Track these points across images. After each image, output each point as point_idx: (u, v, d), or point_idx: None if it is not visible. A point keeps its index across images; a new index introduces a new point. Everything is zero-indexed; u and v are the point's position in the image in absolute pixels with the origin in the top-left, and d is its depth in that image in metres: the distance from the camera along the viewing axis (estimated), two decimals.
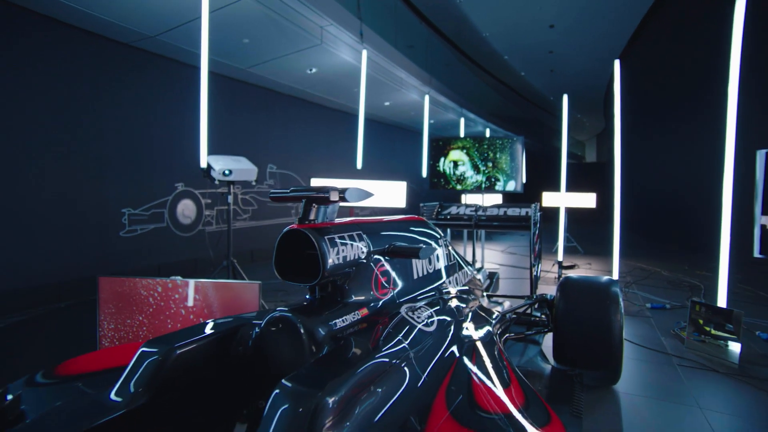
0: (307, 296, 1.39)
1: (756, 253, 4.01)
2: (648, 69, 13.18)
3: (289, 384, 0.89)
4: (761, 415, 2.50)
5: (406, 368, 1.12)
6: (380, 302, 1.49)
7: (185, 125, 6.56)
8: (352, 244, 1.37)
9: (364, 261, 1.44)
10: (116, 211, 5.64)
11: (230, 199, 4.13)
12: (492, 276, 3.48)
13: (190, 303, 2.74)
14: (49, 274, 4.83)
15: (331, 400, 0.86)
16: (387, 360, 1.10)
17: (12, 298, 4.48)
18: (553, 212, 7.97)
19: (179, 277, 2.78)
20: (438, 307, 1.66)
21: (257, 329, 1.26)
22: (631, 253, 8.57)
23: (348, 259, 1.33)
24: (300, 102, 9.03)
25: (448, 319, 1.60)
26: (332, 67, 7.33)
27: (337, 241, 1.30)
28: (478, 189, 5.18)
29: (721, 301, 3.38)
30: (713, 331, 3.44)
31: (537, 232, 3.38)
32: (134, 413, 1.04)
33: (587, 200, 9.59)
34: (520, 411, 1.20)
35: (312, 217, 1.33)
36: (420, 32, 10.64)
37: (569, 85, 18.42)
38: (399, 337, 1.27)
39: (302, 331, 1.16)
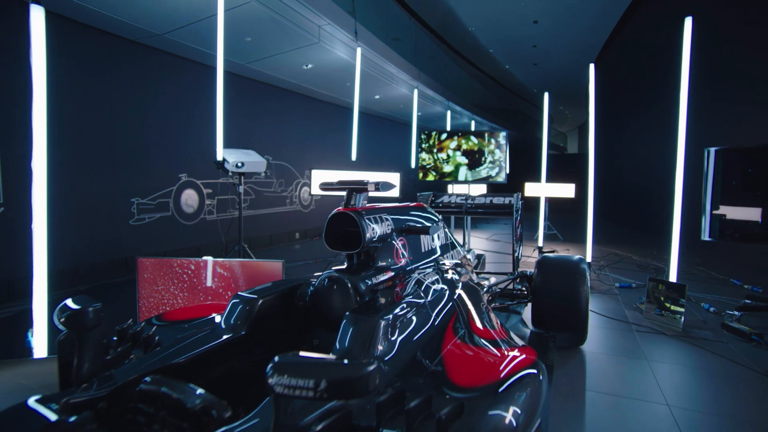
0: (345, 263, 1.84)
1: (705, 237, 4.62)
2: (621, 70, 13.87)
3: (353, 315, 1.34)
4: (693, 363, 3.08)
5: (423, 310, 1.59)
6: (399, 267, 1.95)
7: (187, 118, 6.87)
8: (381, 223, 1.82)
9: (389, 236, 1.89)
10: (126, 200, 5.96)
11: (241, 189, 4.51)
12: (479, 257, 3.98)
13: (209, 282, 3.16)
14: (65, 260, 5.14)
15: (382, 324, 1.31)
16: (411, 303, 1.56)
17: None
18: (535, 202, 8.52)
19: (210, 257, 3.20)
20: (439, 275, 2.14)
21: (311, 287, 1.71)
22: (606, 240, 9.24)
23: (379, 234, 1.78)
24: (295, 96, 9.35)
25: (449, 280, 2.08)
26: (327, 63, 7.67)
27: (371, 220, 1.75)
28: (465, 180, 5.66)
29: (673, 278, 3.95)
30: (672, 307, 4.01)
31: (519, 218, 3.87)
32: (234, 342, 1.48)
33: (567, 190, 10.19)
34: (503, 340, 1.69)
35: (353, 202, 1.78)
36: (407, 26, 11.00)
37: (552, 78, 19.03)
38: (417, 290, 1.74)
39: (349, 285, 1.61)
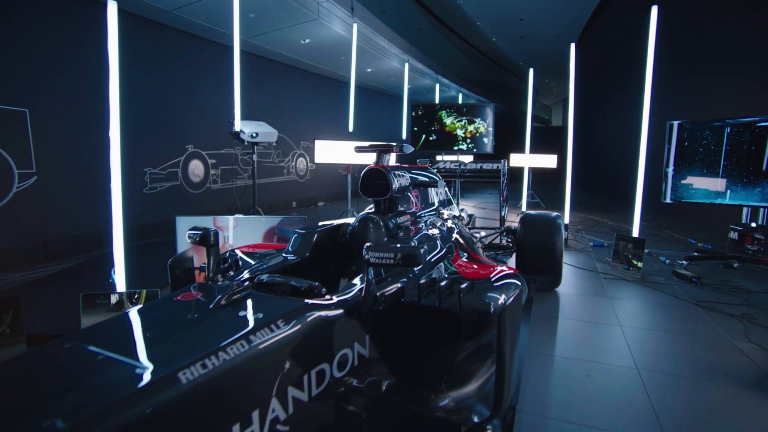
0: (373, 207, 2.38)
1: (667, 200, 5.29)
2: (601, 49, 14.35)
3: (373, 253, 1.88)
4: (644, 299, 3.78)
5: (435, 241, 2.14)
6: (413, 212, 2.50)
7: (191, 92, 7.17)
8: (401, 178, 2.34)
9: (407, 188, 2.43)
10: (140, 170, 6.34)
11: (255, 157, 4.95)
12: (470, 216, 4.56)
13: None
14: (86, 226, 5.55)
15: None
16: (427, 236, 2.10)
17: (63, 244, 5.22)
18: (519, 172, 9.11)
19: (240, 215, 3.70)
20: (442, 220, 2.70)
21: (351, 227, 2.24)
22: (585, 208, 9.97)
23: (401, 185, 2.31)
24: (291, 69, 9.62)
25: (449, 226, 2.64)
26: (323, 38, 7.97)
27: (395, 175, 2.28)
28: (460, 151, 6.18)
29: (635, 233, 4.61)
30: (635, 261, 4.66)
31: (505, 181, 4.44)
32: (298, 264, 2.01)
33: (549, 161, 10.80)
34: (494, 263, 2.27)
35: (382, 161, 2.30)
36: None
37: (538, 52, 19.37)
38: (430, 228, 2.30)
39: (381, 223, 2.14)
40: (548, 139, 20.30)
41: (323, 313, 1.30)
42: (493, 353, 1.60)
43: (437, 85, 14.16)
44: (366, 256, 1.30)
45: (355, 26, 7.31)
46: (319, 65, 9.80)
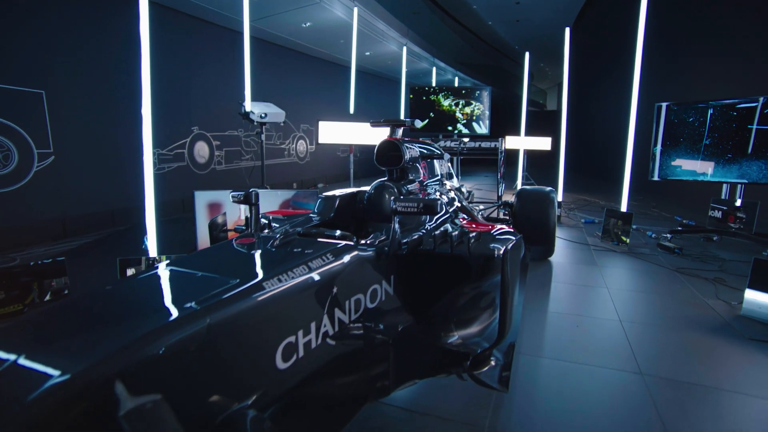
0: (387, 176, 2.65)
1: (655, 177, 5.60)
2: (596, 33, 14.52)
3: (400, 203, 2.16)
4: (629, 266, 4.11)
5: (443, 205, 2.43)
6: (421, 181, 2.78)
7: (195, 75, 7.32)
8: (412, 149, 2.61)
9: (416, 159, 2.70)
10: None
11: (263, 137, 5.18)
12: (470, 192, 4.85)
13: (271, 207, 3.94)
14: (101, 204, 5.77)
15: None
16: (434, 199, 2.39)
17: (80, 222, 5.45)
18: (515, 156, 9.39)
19: (256, 189, 3.95)
20: (446, 190, 2.99)
21: (366, 194, 2.51)
22: (579, 190, 10.31)
23: (412, 156, 2.58)
24: (291, 53, 9.75)
25: (452, 196, 2.93)
26: (324, 21, 8.11)
27: (408, 147, 2.54)
28: (459, 134, 6.43)
29: (624, 209, 4.92)
30: (623, 237, 4.99)
31: (502, 158, 4.72)
32: (324, 224, 2.29)
33: (544, 143, 11.08)
34: (496, 223, 2.57)
35: (395, 135, 2.56)
36: None
37: (534, 36, 19.42)
38: (438, 194, 2.58)
39: (394, 189, 2.42)
40: (543, 123, 20.53)
41: (360, 252, 1.59)
42: (493, 302, 1.91)
43: (434, 69, 14.31)
44: (394, 206, 1.59)
45: (355, 10, 7.46)
46: (319, 48, 9.93)
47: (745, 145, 4.87)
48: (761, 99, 4.70)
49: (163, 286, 1.24)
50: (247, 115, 4.98)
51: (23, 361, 0.77)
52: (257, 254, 1.49)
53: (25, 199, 4.84)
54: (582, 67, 15.74)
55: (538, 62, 25.74)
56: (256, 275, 1.23)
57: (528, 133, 8.79)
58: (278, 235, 1.69)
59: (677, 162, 5.50)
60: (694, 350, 2.50)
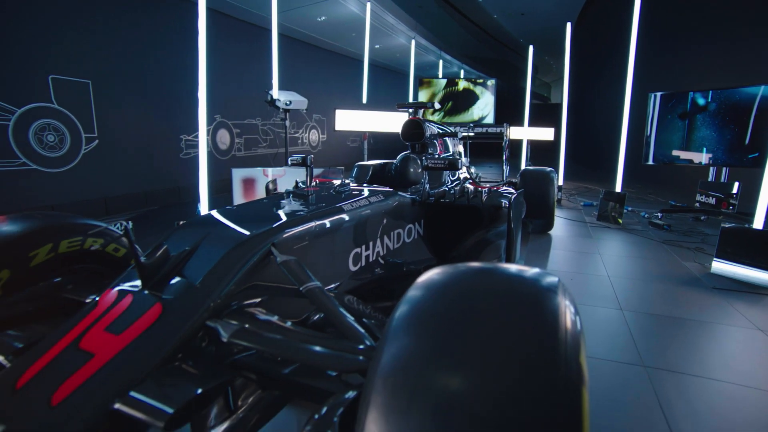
0: (410, 150, 3.13)
1: (649, 162, 6.05)
2: (599, 27, 14.84)
3: (430, 160, 2.64)
4: (621, 239, 4.59)
5: (462, 163, 2.91)
6: (440, 155, 3.26)
7: (218, 66, 7.78)
8: (431, 127, 3.08)
9: (435, 136, 3.17)
10: (176, 137, 7.03)
11: (287, 123, 5.65)
12: (477, 173, 5.34)
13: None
14: (136, 185, 6.27)
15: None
16: (456, 158, 2.88)
17: (120, 201, 5.96)
18: (518, 147, 9.82)
19: (286, 166, 4.43)
20: (461, 161, 3.48)
21: (393, 164, 2.99)
22: (581, 178, 10.75)
23: (431, 134, 3.06)
24: (305, 45, 10.19)
25: (466, 171, 3.42)
26: (338, 16, 8.54)
27: (428, 125, 3.02)
28: (465, 124, 6.89)
29: (618, 189, 5.39)
30: (618, 219, 5.45)
31: (507, 142, 5.18)
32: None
33: (547, 134, 11.50)
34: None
35: (417, 115, 3.04)
36: None
37: (539, 29, 19.70)
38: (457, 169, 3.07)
39: (418, 161, 2.90)
40: (547, 116, 20.86)
41: (400, 198, 2.07)
42: (500, 247, 2.39)
43: (440, 62, 14.70)
44: (426, 163, 2.07)
45: (368, 5, 7.89)
46: (331, 41, 10.36)
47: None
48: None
49: (274, 207, 1.71)
50: (273, 102, 5.45)
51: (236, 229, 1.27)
52: (323, 194, 1.97)
53: (74, 179, 5.34)
54: (585, 60, 16.08)
55: (543, 55, 25.96)
56: (332, 203, 1.72)
57: (532, 124, 9.23)
58: (334, 187, 2.17)
59: (669, 147, 5.95)
60: (666, 293, 2.99)
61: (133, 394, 0.87)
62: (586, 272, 3.48)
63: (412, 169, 2.87)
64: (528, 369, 0.64)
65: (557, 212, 5.96)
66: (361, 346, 0.98)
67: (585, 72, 16.56)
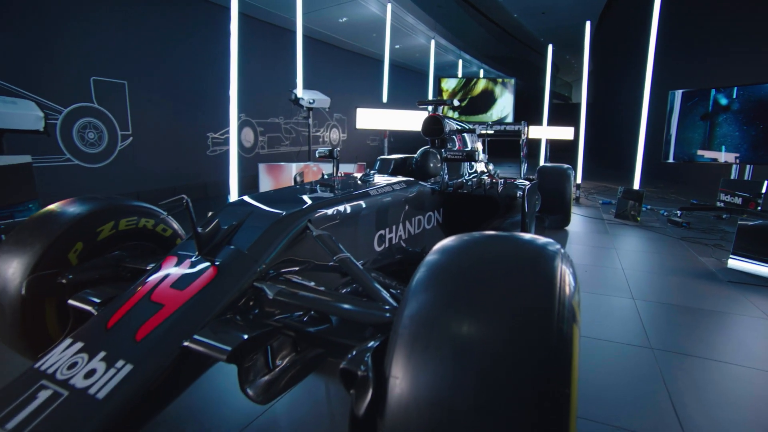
0: (429, 144, 3.27)
1: (670, 159, 6.04)
2: (623, 24, 14.66)
3: (449, 152, 2.78)
4: (639, 235, 4.62)
5: (480, 154, 3.04)
6: (459, 149, 3.40)
7: (243, 67, 8.06)
8: (451, 124, 3.23)
9: (454, 132, 3.31)
10: (203, 135, 7.33)
11: (311, 121, 5.86)
12: (495, 170, 5.43)
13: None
14: (166, 181, 6.58)
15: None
16: (474, 150, 3.01)
17: (151, 196, 6.27)
18: (536, 147, 9.84)
19: (309, 162, 4.63)
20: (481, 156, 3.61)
21: (414, 159, 3.14)
22: (600, 177, 10.70)
23: (451, 129, 3.20)
24: (326, 46, 10.42)
25: (484, 166, 3.54)
26: (358, 17, 8.74)
27: (447, 122, 3.16)
28: (482, 123, 6.97)
29: (636, 186, 5.41)
30: (637, 217, 5.47)
31: (525, 140, 5.26)
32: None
33: (566, 133, 11.46)
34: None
35: (437, 111, 3.18)
36: None
37: (560, 28, 19.50)
38: (474, 161, 3.21)
39: (438, 155, 3.04)
40: (567, 117, 20.63)
41: (422, 187, 2.23)
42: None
43: (460, 61, 14.75)
44: (445, 154, 2.21)
45: (389, 6, 8.05)
46: (352, 42, 10.56)
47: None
48: None
49: (305, 192, 1.88)
50: (297, 100, 5.67)
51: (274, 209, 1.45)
52: (349, 182, 2.14)
53: (110, 174, 5.66)
54: (607, 59, 15.90)
55: (564, 54, 25.64)
56: (358, 189, 1.89)
57: (551, 124, 9.24)
58: (359, 177, 2.34)
59: (690, 144, 5.92)
60: (680, 285, 3.05)
61: (196, 336, 1.05)
62: (601, 265, 3.56)
63: (431, 163, 3.02)
64: (526, 315, 0.79)
65: (575, 210, 6.02)
66: (387, 307, 1.13)
67: (607, 71, 16.37)
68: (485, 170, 3.65)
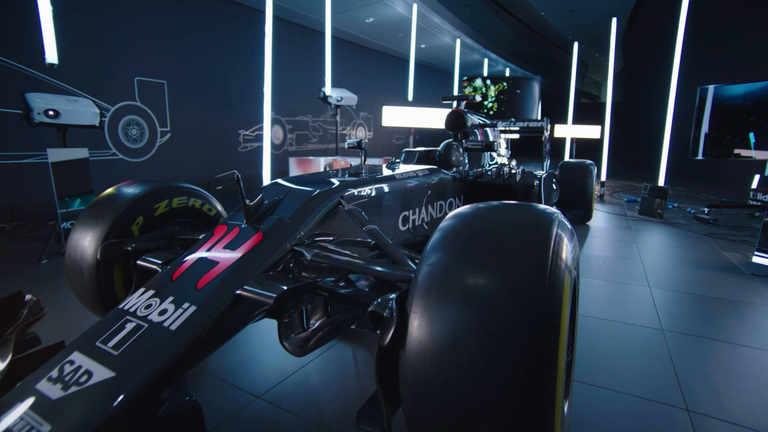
0: (452, 138, 3.42)
1: (699, 156, 5.97)
2: (654, 22, 14.33)
3: (470, 142, 2.92)
4: (662, 230, 4.62)
5: (498, 144, 3.16)
6: (480, 140, 3.53)
7: (273, 67, 8.38)
8: (473, 119, 3.36)
9: (476, 126, 3.45)
10: (235, 132, 7.67)
11: (338, 118, 6.08)
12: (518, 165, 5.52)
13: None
14: (201, 174, 6.92)
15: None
16: (492, 141, 3.14)
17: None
18: (561, 144, 9.79)
19: (338, 157, 4.84)
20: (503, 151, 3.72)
21: (437, 152, 3.29)
22: (628, 176, 10.54)
23: (473, 123, 3.34)
24: (353, 46, 10.67)
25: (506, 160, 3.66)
26: (385, 17, 8.92)
27: (469, 117, 3.30)
28: (506, 119, 7.05)
29: (661, 183, 5.38)
30: (663, 214, 5.44)
31: (548, 136, 5.32)
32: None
33: (593, 131, 11.32)
34: None
35: (460, 106, 3.33)
36: None
37: (588, 25, 19.18)
38: (493, 151, 3.33)
39: (460, 148, 3.19)
40: (595, 116, 20.24)
41: (443, 174, 2.39)
42: None
43: (485, 60, 14.75)
44: (466, 144, 2.36)
45: (415, 6, 8.20)
46: (378, 42, 10.76)
47: None
48: None
49: (336, 176, 2.07)
50: (326, 98, 5.89)
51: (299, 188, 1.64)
52: (377, 169, 2.32)
53: (149, 168, 6.03)
54: (639, 57, 15.56)
55: (593, 52, 25.14)
56: (385, 172, 2.06)
57: (579, 123, 9.18)
58: (385, 165, 2.52)
59: (722, 141, 5.83)
60: (698, 276, 3.09)
61: (246, 287, 1.24)
62: (620, 257, 3.61)
63: (454, 156, 3.17)
64: (523, 266, 0.95)
65: (599, 207, 6.03)
66: (408, 269, 1.30)
67: (638, 69, 16.02)
68: (506, 163, 3.77)
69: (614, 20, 6.58)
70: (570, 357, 1.43)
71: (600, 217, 5.33)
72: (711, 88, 5.89)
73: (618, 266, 3.37)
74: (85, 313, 2.05)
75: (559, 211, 1.15)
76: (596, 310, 2.49)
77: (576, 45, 7.77)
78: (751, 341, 2.13)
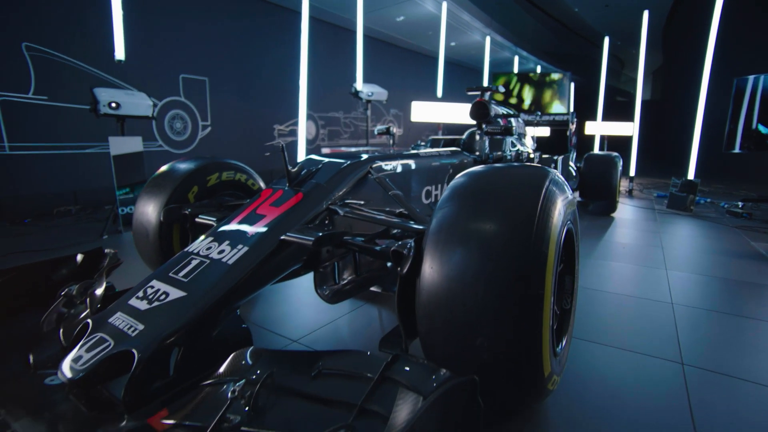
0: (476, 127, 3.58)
1: (736, 149, 5.86)
2: (688, 21, 13.86)
3: (489, 126, 3.08)
4: (688, 224, 4.61)
5: (517, 130, 3.30)
6: (501, 125, 3.68)
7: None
8: (496, 109, 3.52)
9: (499, 116, 3.60)
10: (270, 126, 8.04)
11: (368, 113, 6.32)
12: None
13: None
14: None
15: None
16: (511, 126, 3.28)
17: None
18: (589, 141, 9.70)
19: (368, 147, 5.07)
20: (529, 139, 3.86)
21: (462, 140, 3.46)
22: (658, 174, 10.32)
23: (497, 114, 3.50)
24: (382, 44, 10.90)
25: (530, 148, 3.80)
26: (415, 15, 9.10)
27: (493, 107, 3.46)
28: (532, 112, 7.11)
29: (690, 176, 5.34)
30: (691, 207, 5.39)
31: (574, 129, 5.38)
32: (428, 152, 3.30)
33: (626, 129, 11.11)
34: None
35: (485, 97, 3.50)
36: None
37: (624, 20, 18.67)
38: (515, 139, 3.47)
39: (482, 135, 3.35)
40: (632, 115, 19.68)
41: (465, 155, 2.57)
42: None
43: (516, 58, 14.68)
44: (486, 128, 2.54)
45: (444, 4, 8.35)
46: (408, 40, 10.95)
47: None
48: None
49: (366, 153, 2.30)
50: (357, 93, 6.14)
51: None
52: (404, 149, 2.53)
53: None
54: (677, 53, 15.09)
55: (630, 49, 24.40)
56: (412, 150, 2.27)
57: (611, 120, 9.08)
58: (411, 146, 2.72)
59: (760, 133, 5.69)
60: (719, 262, 3.14)
61: (289, 233, 1.48)
62: (640, 244, 3.68)
63: (476, 143, 3.34)
64: (516, 214, 1.15)
65: (626, 201, 6.02)
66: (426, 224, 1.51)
67: (676, 66, 15.53)
68: (528, 151, 3.90)
69: (645, 13, 6.52)
70: (570, 305, 1.60)
71: (626, 210, 5.34)
72: (750, 78, 5.76)
73: (637, 251, 3.44)
74: (145, 270, 2.34)
75: (555, 171, 1.35)
76: (608, 286, 2.60)
77: (606, 40, 7.71)
78: (762, 315, 2.21)
